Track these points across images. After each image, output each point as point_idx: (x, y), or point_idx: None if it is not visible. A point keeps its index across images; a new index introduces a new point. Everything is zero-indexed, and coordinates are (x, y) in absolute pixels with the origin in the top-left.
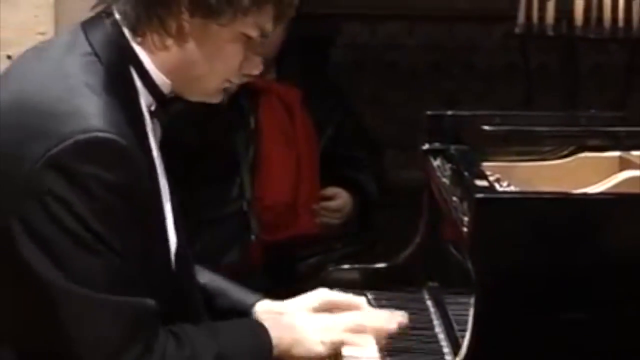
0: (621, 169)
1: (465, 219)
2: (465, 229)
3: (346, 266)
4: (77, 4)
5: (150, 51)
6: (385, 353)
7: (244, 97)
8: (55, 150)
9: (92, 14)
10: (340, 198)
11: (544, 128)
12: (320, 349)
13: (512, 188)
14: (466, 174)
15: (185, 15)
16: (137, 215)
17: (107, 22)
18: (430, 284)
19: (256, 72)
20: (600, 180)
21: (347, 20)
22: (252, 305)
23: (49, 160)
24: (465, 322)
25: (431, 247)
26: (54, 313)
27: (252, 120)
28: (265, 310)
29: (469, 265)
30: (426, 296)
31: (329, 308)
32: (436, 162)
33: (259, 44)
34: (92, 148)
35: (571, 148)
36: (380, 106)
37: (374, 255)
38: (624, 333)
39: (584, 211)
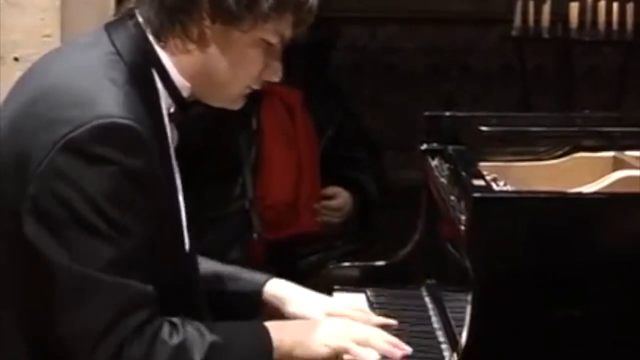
0: (615, 169)
1: (463, 217)
2: (462, 228)
3: (346, 264)
4: (82, 8)
5: (172, 54)
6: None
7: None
8: (73, 134)
9: (95, 16)
10: (340, 197)
11: (539, 129)
12: (322, 350)
13: (508, 187)
14: (463, 173)
15: (207, 22)
16: (148, 203)
17: (131, 24)
18: (429, 281)
19: (276, 78)
20: (594, 180)
21: (347, 24)
22: (264, 283)
23: (67, 144)
24: (463, 318)
25: (429, 245)
26: (53, 289)
27: (254, 122)
28: (273, 294)
29: (467, 263)
30: (424, 293)
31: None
32: (434, 162)
33: (279, 50)
34: (110, 132)
35: (566, 148)
36: (380, 107)
37: (374, 253)
38: (620, 330)
39: (579, 210)
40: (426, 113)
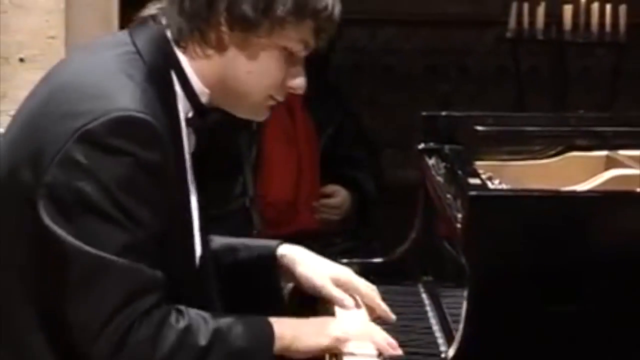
0: (608, 168)
1: (459, 215)
2: (459, 225)
3: (345, 261)
4: (87, 10)
5: (192, 59)
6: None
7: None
8: (90, 125)
9: (99, 18)
10: (339, 195)
11: (534, 128)
12: (323, 340)
13: (503, 186)
14: (460, 172)
15: (225, 28)
16: (162, 197)
17: (154, 26)
18: (425, 278)
19: (300, 91)
20: (587, 179)
21: (347, 25)
22: (276, 247)
23: (83, 135)
24: (459, 314)
25: (426, 243)
26: (67, 272)
27: (254, 121)
28: (285, 254)
29: (463, 260)
30: (421, 290)
31: (343, 285)
32: (431, 161)
33: (301, 60)
34: (126, 125)
35: (560, 147)
36: (378, 107)
37: (372, 250)
38: (613, 325)
39: (573, 208)
40: (423, 113)
